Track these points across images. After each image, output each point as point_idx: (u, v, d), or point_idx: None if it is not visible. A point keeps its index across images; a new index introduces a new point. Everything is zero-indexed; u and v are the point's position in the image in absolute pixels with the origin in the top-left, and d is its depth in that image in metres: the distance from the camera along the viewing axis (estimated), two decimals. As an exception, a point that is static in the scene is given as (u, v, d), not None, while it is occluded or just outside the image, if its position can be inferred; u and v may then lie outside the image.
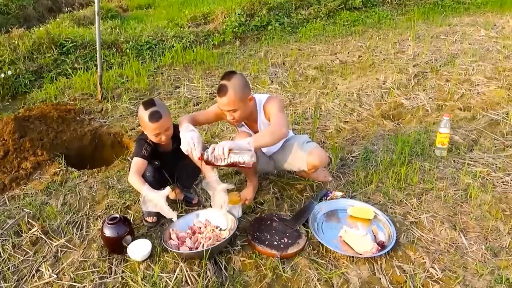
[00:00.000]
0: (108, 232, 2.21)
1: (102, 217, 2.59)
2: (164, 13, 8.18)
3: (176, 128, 2.39)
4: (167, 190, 2.26)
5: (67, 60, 5.19)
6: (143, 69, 5.05)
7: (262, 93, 4.31)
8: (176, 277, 2.11)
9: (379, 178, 2.86)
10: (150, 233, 2.43)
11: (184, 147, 2.23)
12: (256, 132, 2.55)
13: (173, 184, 2.65)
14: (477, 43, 5.55)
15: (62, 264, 2.25)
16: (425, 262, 2.18)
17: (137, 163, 2.33)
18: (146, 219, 2.50)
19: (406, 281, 2.07)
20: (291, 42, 6.10)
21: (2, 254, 2.33)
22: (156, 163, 2.44)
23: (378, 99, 4.14)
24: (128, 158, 3.27)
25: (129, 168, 2.69)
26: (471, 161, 3.06)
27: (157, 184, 2.46)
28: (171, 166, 2.55)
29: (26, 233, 2.48)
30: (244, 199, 2.64)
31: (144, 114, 2.25)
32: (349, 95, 4.21)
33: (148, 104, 2.27)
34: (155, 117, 2.23)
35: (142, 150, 2.34)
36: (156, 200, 2.21)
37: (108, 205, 2.70)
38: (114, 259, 2.25)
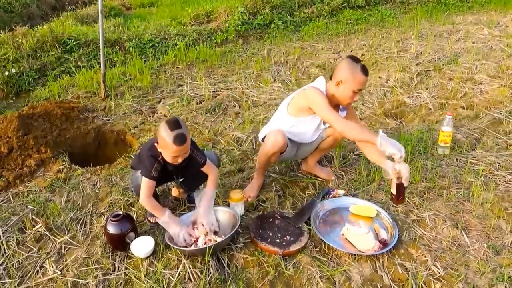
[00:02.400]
0: (111, 229, 2.23)
1: (106, 214, 2.60)
2: (167, 12, 8.18)
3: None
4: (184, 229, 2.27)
5: (70, 58, 5.20)
6: (146, 67, 5.06)
7: (265, 90, 4.33)
8: (179, 273, 2.12)
9: (381, 176, 2.86)
10: (153, 230, 2.45)
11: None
12: None
13: (176, 183, 2.65)
14: (481, 41, 5.54)
15: (66, 260, 2.27)
16: (427, 260, 2.19)
17: (149, 186, 2.24)
18: (148, 218, 2.50)
19: (408, 279, 2.07)
20: (294, 41, 6.10)
21: (6, 251, 2.34)
22: (160, 176, 2.36)
23: (380, 97, 4.14)
24: (131, 155, 3.28)
25: (130, 164, 2.71)
26: (473, 159, 3.06)
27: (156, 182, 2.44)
28: (177, 175, 2.54)
29: (30, 230, 2.50)
30: (247, 196, 2.65)
31: (168, 134, 2.10)
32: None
33: (174, 125, 2.13)
34: (180, 140, 2.11)
35: (152, 171, 2.23)
36: (174, 232, 2.24)
37: (111, 202, 2.71)
38: (118, 256, 2.26)
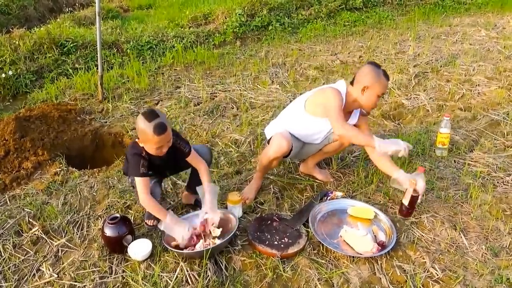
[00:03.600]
0: (108, 232, 2.22)
1: (103, 216, 2.59)
2: (165, 14, 8.18)
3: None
4: (190, 228, 2.25)
5: (68, 60, 5.19)
6: (144, 69, 5.05)
7: (263, 92, 4.33)
8: (177, 276, 2.11)
9: (379, 178, 2.86)
10: (151, 233, 2.43)
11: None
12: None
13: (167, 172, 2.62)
14: (478, 43, 5.56)
15: (63, 263, 2.25)
16: (425, 262, 2.18)
17: (144, 184, 2.19)
18: (146, 221, 2.49)
19: (406, 281, 2.07)
20: (291, 42, 6.10)
21: (3, 254, 2.33)
22: (150, 172, 2.30)
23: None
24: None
25: (122, 170, 2.68)
26: (471, 161, 3.06)
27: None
28: (166, 169, 2.52)
29: (27, 233, 2.48)
30: (245, 198, 2.64)
31: (147, 126, 2.05)
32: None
33: (151, 115, 2.08)
34: (161, 129, 2.06)
35: (140, 168, 2.17)
36: (177, 232, 2.21)
37: (108, 205, 2.70)
38: (115, 259, 2.25)
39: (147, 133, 2.07)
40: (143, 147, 2.20)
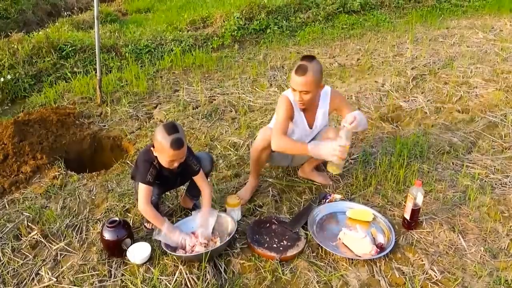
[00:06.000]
0: (107, 235, 2.22)
1: (102, 220, 2.59)
2: (163, 17, 8.19)
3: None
4: (186, 238, 2.26)
5: (66, 64, 5.19)
6: (142, 72, 5.05)
7: (261, 95, 4.34)
8: (176, 280, 2.11)
9: (378, 180, 2.87)
10: (150, 236, 2.43)
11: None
12: (311, 121, 2.60)
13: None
14: (475, 45, 5.58)
15: (62, 267, 2.25)
16: (424, 264, 2.19)
17: (146, 191, 2.22)
18: (145, 224, 2.49)
19: (405, 283, 2.07)
20: (289, 45, 6.12)
21: (1, 258, 2.33)
22: (158, 182, 2.33)
23: (376, 101, 4.15)
24: (128, 161, 3.27)
25: (130, 174, 2.69)
26: (469, 163, 3.07)
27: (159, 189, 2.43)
28: (174, 184, 2.54)
29: (26, 237, 2.48)
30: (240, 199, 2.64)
31: (165, 139, 2.09)
32: (347, 98, 4.22)
33: (172, 129, 2.12)
34: (177, 144, 2.09)
35: (147, 176, 2.20)
36: (172, 241, 2.24)
37: (107, 209, 2.70)
38: (114, 262, 2.25)
39: (164, 145, 2.10)
40: (156, 156, 2.22)
